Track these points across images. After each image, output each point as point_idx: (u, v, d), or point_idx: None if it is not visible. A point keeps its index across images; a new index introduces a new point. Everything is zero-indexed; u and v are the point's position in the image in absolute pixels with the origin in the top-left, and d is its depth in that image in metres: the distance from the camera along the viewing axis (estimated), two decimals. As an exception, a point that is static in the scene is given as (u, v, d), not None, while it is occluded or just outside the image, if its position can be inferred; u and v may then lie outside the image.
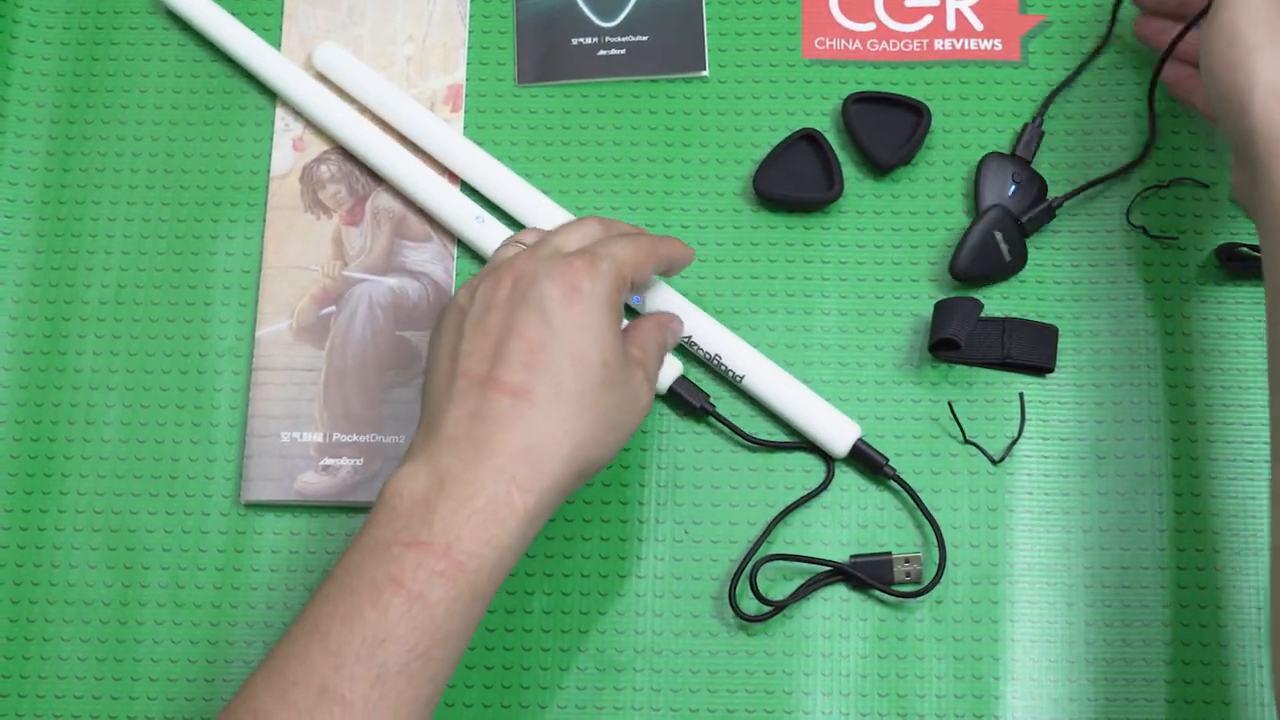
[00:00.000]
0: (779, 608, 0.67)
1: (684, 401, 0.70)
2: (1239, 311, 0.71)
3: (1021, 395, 0.70)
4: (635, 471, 0.70)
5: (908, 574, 0.67)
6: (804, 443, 0.70)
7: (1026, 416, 0.70)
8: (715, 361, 0.70)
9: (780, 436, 0.70)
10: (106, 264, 0.74)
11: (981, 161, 0.73)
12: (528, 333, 0.57)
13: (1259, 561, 0.68)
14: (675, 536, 0.70)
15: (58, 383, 0.72)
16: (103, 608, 0.70)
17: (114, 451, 0.71)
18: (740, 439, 0.70)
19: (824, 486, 0.69)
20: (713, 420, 0.70)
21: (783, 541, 0.69)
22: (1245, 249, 0.70)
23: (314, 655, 0.53)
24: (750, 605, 0.68)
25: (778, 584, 0.69)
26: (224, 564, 0.70)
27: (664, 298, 0.70)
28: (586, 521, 0.70)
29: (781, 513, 0.69)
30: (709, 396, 0.70)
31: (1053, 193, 0.72)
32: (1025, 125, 0.74)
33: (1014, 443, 0.70)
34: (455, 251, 0.74)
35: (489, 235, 0.72)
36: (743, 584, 0.68)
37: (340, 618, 0.54)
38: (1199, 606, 0.68)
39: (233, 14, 0.76)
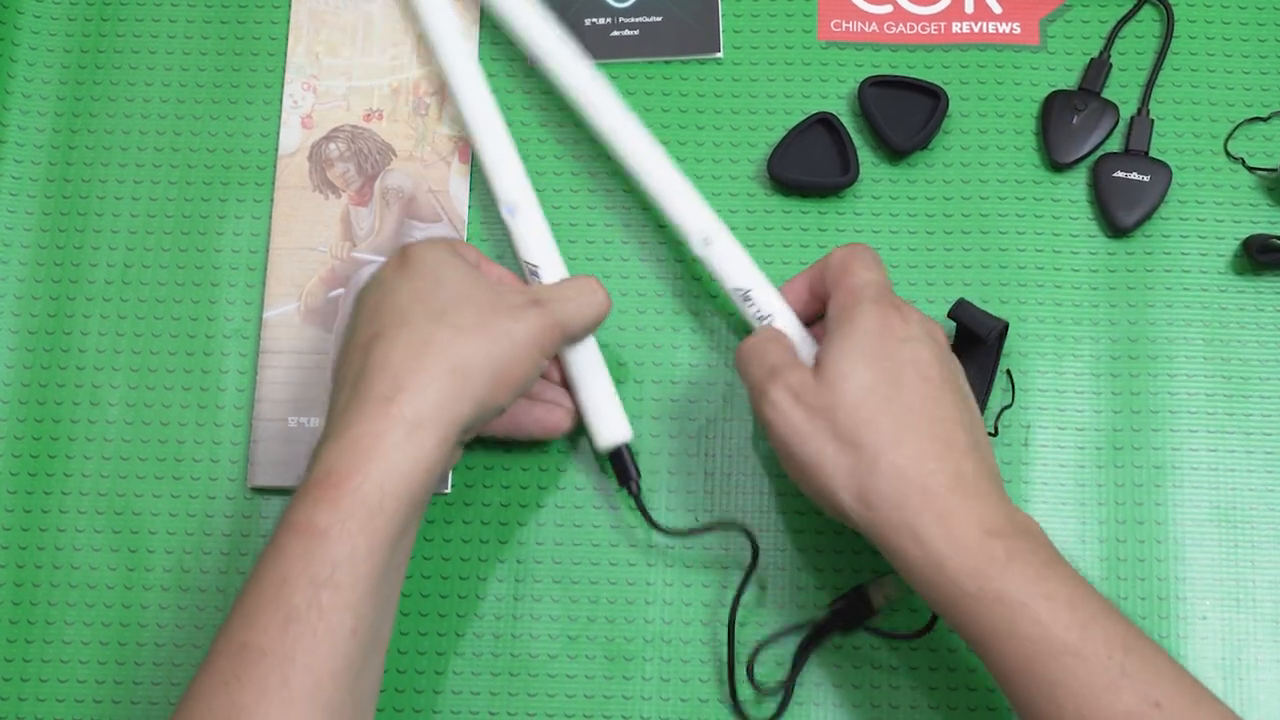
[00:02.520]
0: (787, 694, 0.65)
1: (617, 472, 0.68)
2: (1259, 302, 0.71)
3: (1009, 371, 0.69)
4: (646, 458, 0.70)
5: (886, 597, 0.65)
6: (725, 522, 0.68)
7: (1017, 387, 0.69)
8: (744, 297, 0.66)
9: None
10: (113, 243, 0.73)
11: (1046, 100, 0.73)
12: (370, 301, 0.61)
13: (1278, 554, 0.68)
14: (687, 524, 0.69)
15: (63, 363, 0.72)
16: (108, 591, 0.69)
17: (119, 434, 0.71)
18: (653, 526, 0.67)
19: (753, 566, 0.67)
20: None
21: (757, 610, 0.67)
22: (1277, 241, 0.69)
23: (232, 623, 0.55)
24: (752, 692, 0.66)
25: (771, 659, 0.67)
26: (230, 549, 0.69)
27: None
28: (596, 509, 0.69)
29: (734, 603, 0.66)
30: (639, 475, 0.68)
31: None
32: (1091, 59, 0.73)
33: (1004, 410, 0.69)
34: (465, 232, 0.73)
35: (520, 228, 0.70)
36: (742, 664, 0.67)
37: (250, 580, 0.56)
38: (1216, 599, 0.67)
39: (241, -10, 0.75)
